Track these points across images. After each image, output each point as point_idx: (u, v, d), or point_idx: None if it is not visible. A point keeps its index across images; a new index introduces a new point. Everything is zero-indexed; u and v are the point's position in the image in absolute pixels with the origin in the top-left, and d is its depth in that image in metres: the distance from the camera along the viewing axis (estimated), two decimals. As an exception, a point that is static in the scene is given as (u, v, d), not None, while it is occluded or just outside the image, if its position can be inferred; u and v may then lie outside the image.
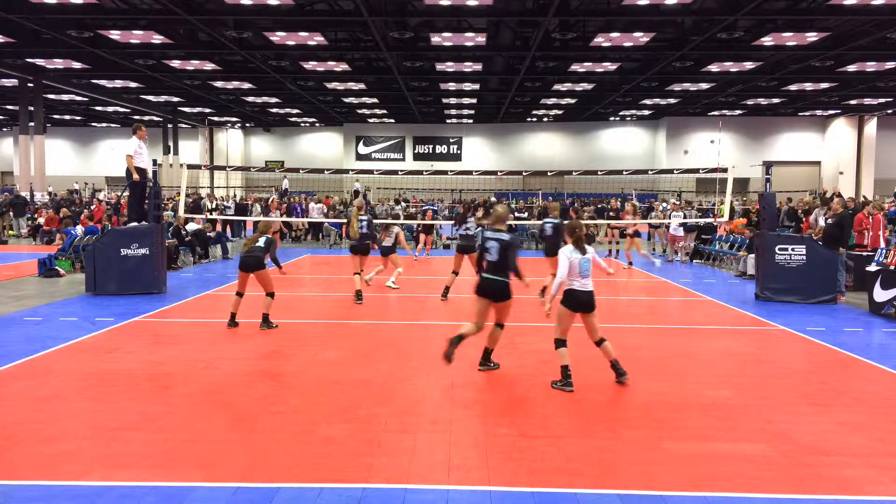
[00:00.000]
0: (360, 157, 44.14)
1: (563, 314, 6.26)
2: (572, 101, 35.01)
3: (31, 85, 27.67)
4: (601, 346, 6.35)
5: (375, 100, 35.04)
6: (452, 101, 35.19)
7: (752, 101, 35.64)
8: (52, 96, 32.78)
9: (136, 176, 11.77)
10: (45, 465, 4.43)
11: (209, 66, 26.69)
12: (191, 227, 16.94)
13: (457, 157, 44.14)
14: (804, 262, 11.18)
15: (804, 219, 16.21)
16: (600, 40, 21.77)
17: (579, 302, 6.19)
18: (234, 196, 33.95)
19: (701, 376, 6.75)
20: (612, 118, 42.68)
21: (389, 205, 25.51)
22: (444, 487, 4.16)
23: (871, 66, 25.88)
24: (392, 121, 43.88)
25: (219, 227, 20.61)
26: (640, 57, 24.67)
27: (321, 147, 46.21)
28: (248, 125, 46.54)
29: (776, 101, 34.99)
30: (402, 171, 29.31)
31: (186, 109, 39.59)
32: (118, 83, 31.00)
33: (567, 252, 6.21)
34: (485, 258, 6.59)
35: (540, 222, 14.98)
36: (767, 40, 21.64)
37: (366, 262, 11.37)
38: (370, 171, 23.26)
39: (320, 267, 16.29)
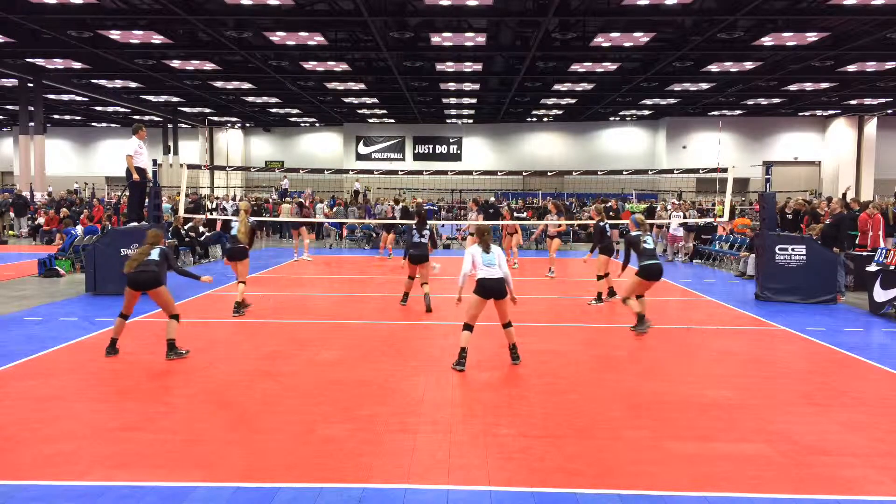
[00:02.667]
0: (360, 157, 44.13)
1: (473, 302, 6.91)
2: (572, 101, 35.00)
3: (31, 85, 27.65)
4: (505, 329, 7.11)
5: (375, 100, 35.04)
6: (452, 101, 35.17)
7: (752, 101, 35.63)
8: (52, 96, 32.76)
9: (136, 176, 11.78)
10: (45, 465, 4.43)
11: (209, 66, 26.68)
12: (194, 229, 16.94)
13: (457, 157, 44.12)
14: (804, 262, 11.18)
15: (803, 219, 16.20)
16: (600, 40, 21.76)
17: (487, 289, 6.83)
18: (234, 196, 33.95)
19: (701, 376, 6.75)
20: (612, 118, 42.67)
21: (389, 204, 25.53)
22: (444, 487, 4.16)
23: (871, 66, 25.87)
24: (392, 121, 43.87)
25: (219, 227, 20.60)
26: (640, 57, 24.66)
27: (321, 147, 46.19)
28: (248, 125, 46.53)
29: (776, 101, 34.98)
30: (402, 171, 29.31)
31: (186, 109, 39.58)
32: (118, 83, 30.99)
33: (472, 250, 7.02)
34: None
35: (543, 222, 15.03)
36: (767, 40, 21.63)
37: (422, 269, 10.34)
38: (370, 171, 23.26)
39: (320, 267, 16.29)
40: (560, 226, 15.02)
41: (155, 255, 7.33)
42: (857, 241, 13.29)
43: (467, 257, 7.02)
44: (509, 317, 7.11)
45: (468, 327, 6.91)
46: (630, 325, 8.93)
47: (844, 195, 16.55)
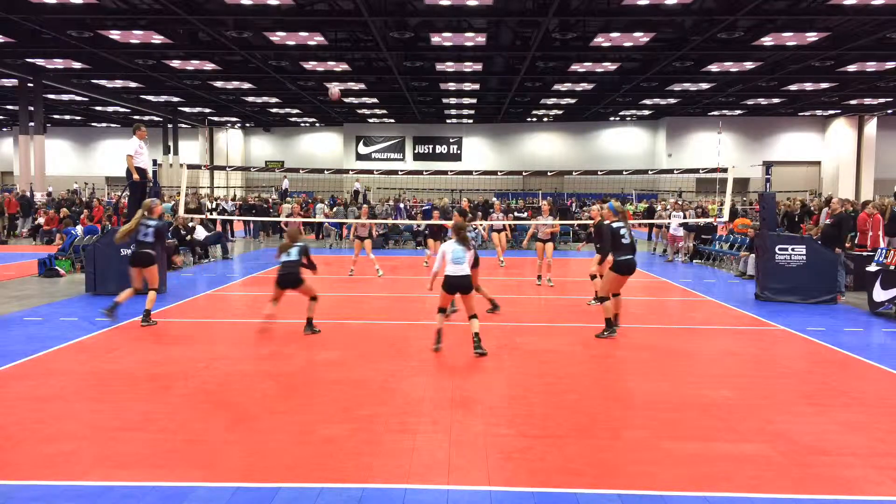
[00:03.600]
0: (360, 157, 44.14)
1: (441, 294, 7.62)
2: (572, 101, 35.00)
3: (31, 85, 27.65)
4: (470, 320, 7.50)
5: (375, 100, 35.04)
6: (452, 101, 35.18)
7: (752, 101, 35.63)
8: (52, 96, 32.76)
9: (136, 176, 11.78)
10: (45, 465, 4.43)
11: (209, 66, 26.68)
12: (199, 233, 16.91)
13: (457, 157, 44.13)
14: (804, 262, 11.18)
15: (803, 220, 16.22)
16: (600, 40, 21.76)
17: (454, 286, 7.43)
18: (234, 196, 33.95)
19: (701, 376, 6.75)
20: (612, 118, 42.68)
21: (389, 205, 25.52)
22: (444, 487, 4.16)
23: (871, 66, 25.87)
24: (392, 121, 43.87)
25: (218, 227, 20.60)
26: (640, 57, 24.66)
27: (321, 147, 46.20)
28: (248, 125, 46.53)
29: (776, 101, 34.98)
30: (402, 171, 29.30)
31: (186, 109, 39.59)
32: (118, 83, 30.99)
33: (445, 247, 7.56)
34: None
35: (534, 222, 14.70)
36: (767, 40, 21.63)
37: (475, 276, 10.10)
38: (370, 171, 23.24)
39: (320, 267, 16.24)
40: (554, 226, 13.58)
41: (294, 254, 8.17)
42: (856, 241, 13.29)
43: (440, 254, 7.57)
44: (475, 310, 7.57)
45: (442, 311, 7.67)
46: (626, 325, 8.92)
47: (829, 200, 16.56)
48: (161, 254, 9.18)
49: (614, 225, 8.34)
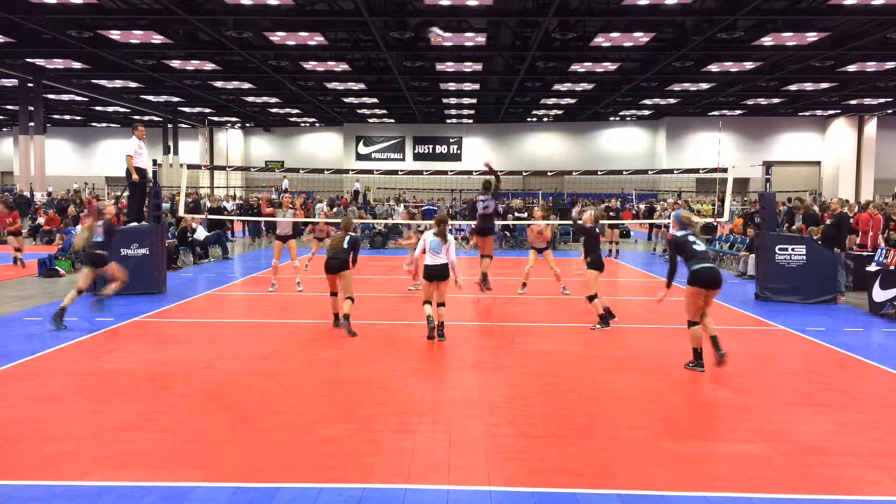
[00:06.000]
0: (360, 157, 44.14)
1: (424, 284, 8.14)
2: (572, 101, 35.00)
3: (31, 85, 27.66)
4: (438, 308, 8.04)
5: (375, 100, 35.05)
6: (452, 101, 35.18)
7: (752, 101, 35.64)
8: (52, 96, 32.77)
9: (135, 176, 11.78)
10: (45, 465, 4.43)
11: (209, 66, 26.69)
12: (199, 233, 16.91)
13: (457, 157, 44.14)
14: (804, 262, 11.17)
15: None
16: (600, 40, 21.77)
17: (431, 274, 7.96)
18: (234, 196, 33.94)
19: (701, 376, 6.74)
20: (612, 118, 42.68)
21: (389, 205, 25.53)
22: (444, 487, 4.16)
23: (871, 66, 25.87)
24: (392, 121, 43.87)
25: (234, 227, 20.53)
26: (640, 57, 24.67)
27: (321, 147, 46.21)
28: (248, 125, 46.54)
29: (776, 101, 34.99)
30: (402, 171, 29.27)
31: (186, 109, 39.59)
32: (118, 83, 31.00)
33: (426, 235, 8.09)
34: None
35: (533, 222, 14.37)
36: (767, 40, 21.64)
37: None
38: (370, 171, 23.24)
39: (320, 267, 16.25)
40: (544, 234, 11.91)
41: (346, 243, 8.62)
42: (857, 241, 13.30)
43: (420, 242, 8.15)
44: (444, 298, 8.15)
45: (427, 302, 8.10)
46: (626, 325, 8.91)
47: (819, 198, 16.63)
48: (110, 255, 9.30)
49: (680, 234, 7.11)
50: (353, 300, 8.52)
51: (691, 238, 6.93)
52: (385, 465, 4.48)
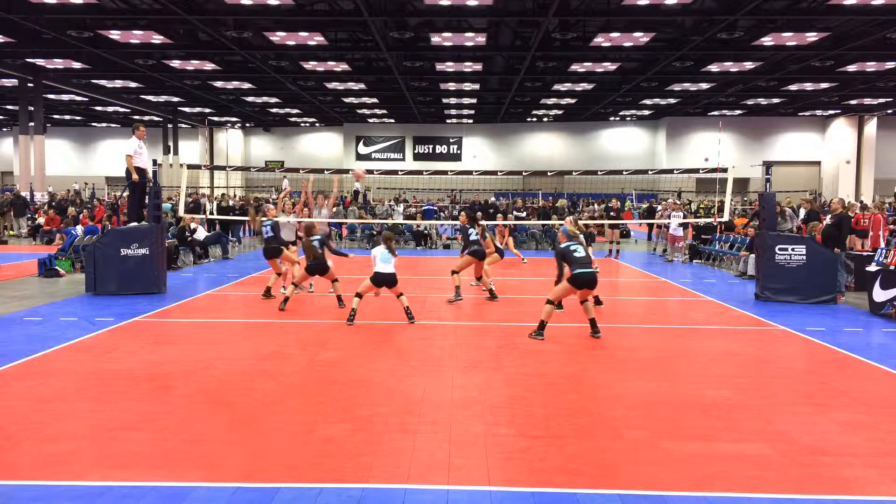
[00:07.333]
0: (360, 157, 44.13)
1: (369, 284, 9.14)
2: (572, 101, 35.00)
3: (31, 85, 27.65)
4: (399, 298, 9.21)
5: (375, 100, 35.04)
6: (452, 101, 35.17)
7: (752, 101, 35.63)
8: (52, 96, 32.77)
9: (135, 176, 11.77)
10: (45, 465, 4.43)
11: (209, 66, 26.69)
12: (199, 233, 16.90)
13: (457, 157, 44.14)
14: (804, 262, 11.17)
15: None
16: (600, 40, 21.77)
17: (379, 280, 9.07)
18: (234, 196, 33.90)
19: (701, 376, 6.75)
20: (612, 118, 42.68)
21: (389, 204, 25.52)
22: (444, 487, 4.16)
23: (871, 66, 25.88)
24: (392, 121, 43.87)
25: (217, 227, 20.57)
26: (640, 57, 24.67)
27: (321, 147, 46.20)
28: (248, 125, 46.54)
29: (776, 101, 34.99)
30: (402, 171, 29.29)
31: (186, 109, 39.59)
32: (118, 83, 31.00)
33: (376, 250, 9.19)
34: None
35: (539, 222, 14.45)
36: (767, 40, 21.64)
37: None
38: (370, 171, 23.22)
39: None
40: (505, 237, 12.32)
41: (316, 243, 10.02)
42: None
43: (373, 255, 9.22)
44: (401, 290, 9.25)
45: (359, 296, 9.16)
46: (626, 325, 8.92)
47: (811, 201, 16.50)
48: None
49: (564, 245, 8.48)
50: (338, 280, 10.35)
51: (573, 247, 8.35)
52: (385, 465, 4.48)
